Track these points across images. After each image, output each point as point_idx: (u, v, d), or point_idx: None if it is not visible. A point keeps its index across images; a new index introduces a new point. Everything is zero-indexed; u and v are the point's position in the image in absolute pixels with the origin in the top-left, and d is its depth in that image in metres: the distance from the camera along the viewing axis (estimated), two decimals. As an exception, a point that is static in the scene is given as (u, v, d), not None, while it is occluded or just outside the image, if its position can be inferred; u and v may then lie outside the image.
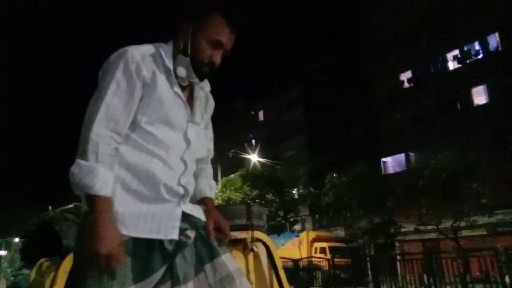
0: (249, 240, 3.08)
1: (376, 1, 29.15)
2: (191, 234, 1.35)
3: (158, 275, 1.27)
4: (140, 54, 1.28)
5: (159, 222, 1.29)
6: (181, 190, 1.34)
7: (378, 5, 28.76)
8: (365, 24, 29.78)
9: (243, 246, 3.12)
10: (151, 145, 1.28)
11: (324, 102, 32.64)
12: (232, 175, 27.42)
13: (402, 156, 25.89)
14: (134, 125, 1.27)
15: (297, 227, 27.53)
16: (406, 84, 27.25)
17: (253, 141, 40.33)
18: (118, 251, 1.16)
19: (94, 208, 1.16)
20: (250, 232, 3.09)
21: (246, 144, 37.99)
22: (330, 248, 19.82)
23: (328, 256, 18.31)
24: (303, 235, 21.43)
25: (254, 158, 25.34)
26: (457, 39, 23.66)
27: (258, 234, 3.16)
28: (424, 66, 25.80)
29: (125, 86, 1.24)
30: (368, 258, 18.29)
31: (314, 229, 29.09)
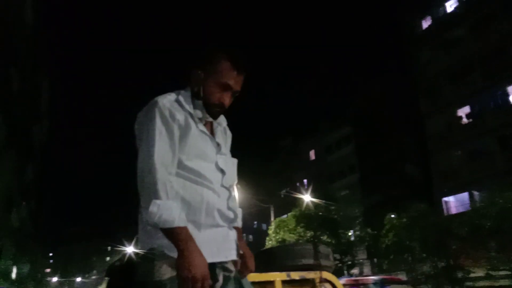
0: (317, 280, 3.08)
1: (427, 35, 28.85)
2: (232, 267, 1.47)
3: None
4: (168, 101, 1.45)
5: (218, 246, 1.42)
6: (231, 215, 1.49)
7: (429, 39, 28.42)
8: (416, 58, 29.40)
9: (311, 287, 3.12)
10: (197, 177, 1.43)
11: (375, 139, 31.97)
12: (285, 216, 27.12)
13: (465, 195, 24.41)
14: (179, 163, 1.42)
15: (355, 271, 26.32)
16: (464, 120, 26.17)
17: (305, 180, 39.94)
18: (208, 274, 1.28)
19: (179, 239, 1.28)
20: (318, 272, 3.10)
21: (298, 184, 37.70)
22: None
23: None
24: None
25: (307, 198, 25.00)
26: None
27: (326, 274, 3.15)
28: (482, 100, 24.75)
29: (165, 131, 1.40)
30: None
31: (373, 273, 27.66)
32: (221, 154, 1.55)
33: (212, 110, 1.52)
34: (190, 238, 1.30)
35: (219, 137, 1.60)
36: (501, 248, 15.85)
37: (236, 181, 1.64)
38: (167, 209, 1.30)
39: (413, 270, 20.14)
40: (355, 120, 35.36)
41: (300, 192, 26.49)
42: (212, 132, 1.58)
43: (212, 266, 1.39)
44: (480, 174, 22.64)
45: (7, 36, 20.40)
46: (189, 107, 1.50)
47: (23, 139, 27.01)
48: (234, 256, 1.47)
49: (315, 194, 25.50)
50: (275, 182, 40.25)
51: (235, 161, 1.64)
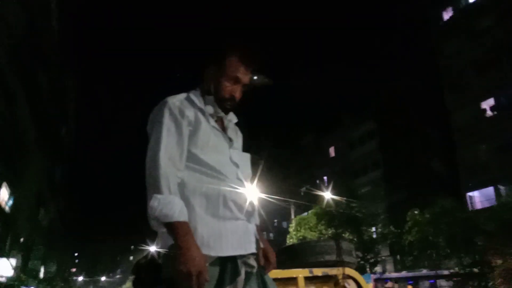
0: (340, 277, 3.06)
1: (451, 27, 28.19)
2: (254, 263, 1.48)
3: None
4: (178, 100, 1.53)
5: (238, 238, 1.44)
6: (249, 208, 1.51)
7: (453, 31, 27.75)
8: (440, 51, 28.74)
9: (334, 283, 3.09)
10: (212, 171, 1.46)
11: (399, 135, 31.43)
12: (306, 213, 27.00)
13: (490, 189, 23.78)
14: (193, 157, 1.46)
15: (378, 268, 25.98)
16: (489, 112, 25.48)
17: (325, 178, 39.66)
18: (205, 269, 1.29)
19: (178, 233, 1.30)
20: (341, 268, 3.08)
21: (318, 181, 37.48)
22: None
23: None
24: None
25: (327, 195, 24.80)
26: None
27: (348, 271, 3.13)
28: (508, 92, 24.05)
29: (174, 128, 1.46)
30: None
31: (396, 270, 27.28)
32: (234, 149, 1.59)
33: (223, 104, 1.58)
34: (188, 233, 1.32)
35: (231, 133, 1.65)
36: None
37: (251, 175, 1.66)
38: (167, 203, 1.33)
39: (438, 267, 19.77)
40: (379, 115, 34.82)
41: (321, 190, 26.34)
42: (223, 128, 1.62)
43: (234, 260, 1.41)
44: (507, 168, 22.03)
45: (36, 39, 20.96)
46: (199, 104, 1.56)
47: (52, 139, 27.69)
48: (253, 249, 1.49)
49: (336, 191, 25.29)
50: (296, 181, 40.10)
51: (248, 155, 1.68)
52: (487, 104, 25.53)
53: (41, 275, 27.67)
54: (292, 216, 27.02)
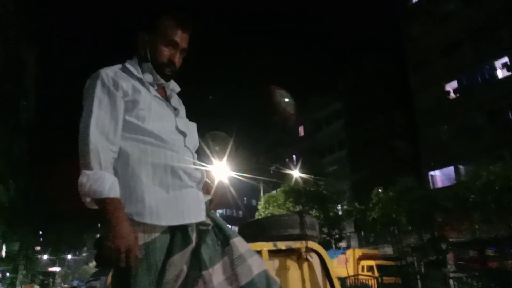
0: (303, 250, 3.13)
1: (417, 9, 28.67)
2: (208, 221, 1.48)
3: (178, 258, 1.36)
4: (112, 71, 1.44)
5: (188, 207, 1.42)
6: (198, 174, 1.49)
7: (419, 14, 28.25)
8: (405, 33, 29.27)
9: (297, 256, 3.17)
10: (158, 141, 1.42)
11: (364, 115, 32.13)
12: (274, 191, 27.38)
13: (451, 169, 24.84)
14: (136, 127, 1.41)
15: (343, 244, 26.90)
16: (452, 95, 26.36)
17: (294, 157, 40.21)
18: (136, 245, 1.27)
19: (107, 209, 1.28)
20: (304, 242, 3.14)
21: (287, 160, 37.91)
22: (378, 266, 19.20)
23: (376, 274, 17.74)
24: (349, 252, 20.87)
25: (295, 173, 25.22)
26: (505, 45, 22.71)
27: (312, 244, 3.20)
28: (470, 75, 24.90)
29: (107, 100, 1.39)
30: (418, 276, 17.57)
31: (361, 246, 28.31)
32: (179, 118, 1.55)
33: (163, 70, 1.51)
34: (119, 209, 1.29)
35: (175, 103, 1.59)
36: (484, 220, 16.27)
37: (198, 144, 1.63)
38: (97, 179, 1.29)
39: (399, 242, 20.66)
40: (345, 95, 35.38)
41: (290, 168, 26.71)
42: (166, 98, 1.57)
43: (184, 228, 1.39)
44: (467, 148, 22.95)
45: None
46: (137, 73, 1.48)
47: (9, 114, 26.49)
48: (203, 218, 1.47)
49: (304, 170, 25.73)
50: (265, 159, 40.41)
51: (194, 124, 1.64)
52: (451, 86, 26.39)
53: (3, 253, 26.93)
54: (261, 194, 27.34)
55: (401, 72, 29.33)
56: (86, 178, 1.30)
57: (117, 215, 1.27)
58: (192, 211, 1.43)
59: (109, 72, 1.43)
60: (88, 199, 1.32)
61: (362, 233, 29.42)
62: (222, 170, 18.51)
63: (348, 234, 29.06)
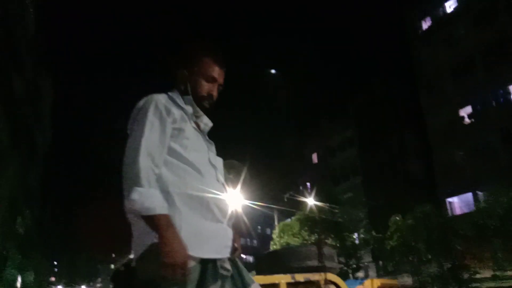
0: (322, 282, 3.08)
1: (428, 34, 28.89)
2: (229, 267, 1.47)
3: None
4: (164, 98, 1.52)
5: (219, 242, 1.44)
6: (229, 210, 1.52)
7: (430, 38, 28.45)
8: (416, 57, 29.42)
9: (316, 288, 3.12)
10: (195, 171, 1.46)
11: (378, 140, 31.94)
12: (289, 220, 27.05)
13: (469, 195, 24.32)
14: (178, 155, 1.46)
15: (360, 274, 26.19)
16: (466, 120, 26.12)
17: (308, 184, 39.88)
18: (188, 261, 1.29)
19: (161, 225, 1.30)
20: (323, 274, 3.10)
21: (301, 188, 37.63)
22: (397, 296, 18.55)
23: (396, 304, 17.16)
24: (368, 283, 20.18)
25: (310, 201, 24.93)
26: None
27: (330, 276, 3.16)
28: (484, 99, 24.73)
29: (158, 124, 1.45)
30: (440, 307, 16.91)
31: (378, 276, 27.48)
32: (211, 151, 1.61)
33: (202, 103, 1.62)
34: (171, 225, 1.31)
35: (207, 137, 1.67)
36: (507, 248, 15.74)
37: (224, 179, 1.67)
38: (149, 196, 1.31)
39: (419, 272, 20.01)
40: (357, 120, 35.33)
41: (304, 196, 26.46)
42: (200, 131, 1.64)
43: (214, 262, 1.40)
44: (484, 172, 22.53)
45: (8, 37, 20.46)
46: (181, 103, 1.57)
47: (26, 144, 26.93)
48: (228, 254, 1.49)
49: (319, 197, 25.44)
50: (280, 186, 40.17)
51: (221, 160, 1.70)
52: (465, 111, 26.18)
53: (18, 284, 26.89)
54: (276, 223, 27.04)
55: (414, 96, 29.28)
56: (139, 195, 1.31)
57: (171, 230, 1.30)
58: (222, 247, 1.45)
59: (161, 98, 1.51)
60: (132, 216, 1.36)
61: (380, 262, 28.63)
62: (236, 199, 18.44)
63: (366, 263, 28.32)
